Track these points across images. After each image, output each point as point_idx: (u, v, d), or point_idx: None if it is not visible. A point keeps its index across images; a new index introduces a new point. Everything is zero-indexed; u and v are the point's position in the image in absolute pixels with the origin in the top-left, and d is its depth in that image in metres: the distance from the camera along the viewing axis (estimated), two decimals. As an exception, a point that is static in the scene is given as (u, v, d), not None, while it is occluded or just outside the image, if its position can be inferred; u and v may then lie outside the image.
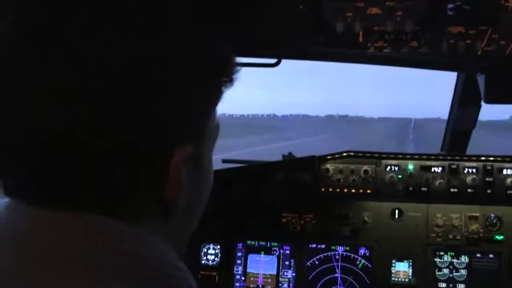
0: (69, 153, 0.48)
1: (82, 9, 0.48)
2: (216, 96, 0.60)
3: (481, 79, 1.81)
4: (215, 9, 0.57)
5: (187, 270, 0.55)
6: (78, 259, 0.48)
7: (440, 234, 2.23)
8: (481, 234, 2.20)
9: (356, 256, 2.30)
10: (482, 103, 2.32)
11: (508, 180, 2.15)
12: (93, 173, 0.50)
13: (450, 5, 1.37)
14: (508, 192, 2.14)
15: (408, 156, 2.26)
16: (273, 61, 1.86)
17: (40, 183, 0.50)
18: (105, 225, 0.51)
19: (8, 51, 0.48)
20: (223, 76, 0.59)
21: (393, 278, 2.24)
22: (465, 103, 2.36)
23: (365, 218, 2.29)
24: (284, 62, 1.91)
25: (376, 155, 2.29)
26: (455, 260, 2.22)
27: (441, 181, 2.20)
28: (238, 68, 0.60)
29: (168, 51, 0.51)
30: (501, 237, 2.19)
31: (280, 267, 2.34)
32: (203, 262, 2.37)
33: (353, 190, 2.26)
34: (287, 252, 2.34)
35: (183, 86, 0.53)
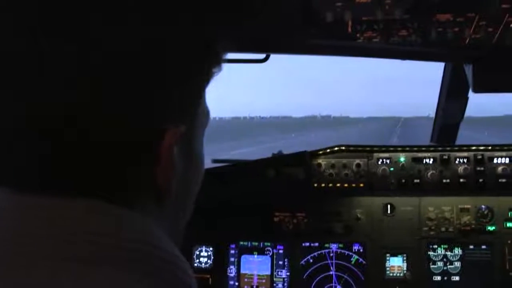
0: (68, 140, 0.48)
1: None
2: (207, 78, 0.60)
3: (468, 69, 1.80)
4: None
5: (182, 257, 0.54)
6: (70, 243, 0.47)
7: (432, 227, 2.24)
8: (473, 226, 2.21)
9: (350, 253, 2.29)
10: (470, 93, 2.34)
11: (499, 169, 2.16)
12: (88, 159, 0.49)
13: None
14: (500, 180, 2.15)
15: (400, 149, 2.26)
16: (261, 56, 1.83)
17: (33, 170, 0.49)
18: (99, 209, 0.50)
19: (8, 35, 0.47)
20: (214, 58, 0.59)
21: (387, 273, 2.24)
22: (453, 94, 2.37)
23: (358, 214, 2.28)
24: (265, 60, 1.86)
25: (367, 148, 2.28)
26: (448, 253, 2.23)
27: (433, 172, 2.19)
28: (227, 51, 0.60)
29: (166, 37, 0.52)
30: (493, 227, 2.20)
31: (274, 267, 2.31)
32: (195, 265, 2.33)
33: (345, 185, 2.25)
34: (281, 251, 2.32)
35: (179, 68, 0.53)
